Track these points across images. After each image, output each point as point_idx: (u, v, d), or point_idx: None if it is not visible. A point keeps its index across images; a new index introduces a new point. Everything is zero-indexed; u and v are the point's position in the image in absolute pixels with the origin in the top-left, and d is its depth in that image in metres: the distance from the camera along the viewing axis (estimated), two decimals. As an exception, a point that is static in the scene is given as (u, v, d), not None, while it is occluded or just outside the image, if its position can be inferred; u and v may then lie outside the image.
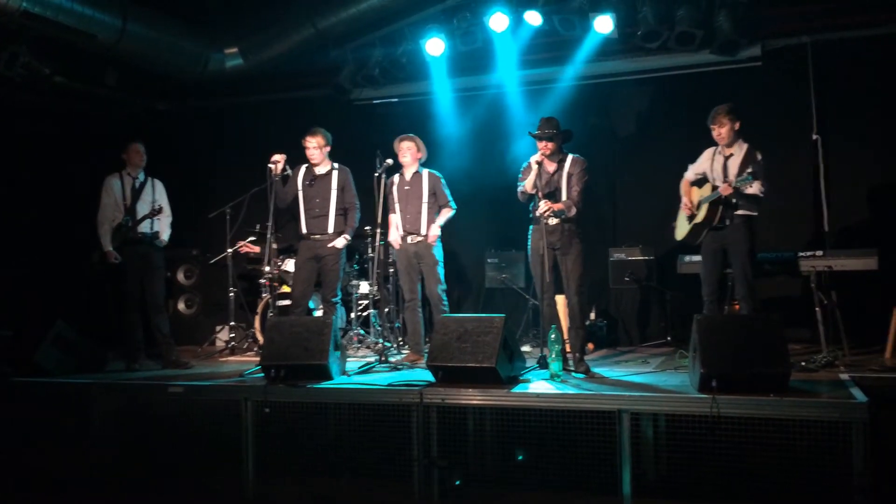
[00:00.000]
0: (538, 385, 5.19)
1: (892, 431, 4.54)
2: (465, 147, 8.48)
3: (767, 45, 7.64)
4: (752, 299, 5.78)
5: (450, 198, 6.84)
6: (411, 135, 6.86)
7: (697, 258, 6.42)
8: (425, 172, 6.85)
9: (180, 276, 9.15)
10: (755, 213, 5.82)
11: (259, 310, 7.87)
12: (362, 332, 7.80)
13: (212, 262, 8.44)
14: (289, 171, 6.79)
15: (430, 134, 7.87)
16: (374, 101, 9.03)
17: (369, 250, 7.75)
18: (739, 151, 5.85)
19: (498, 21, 7.67)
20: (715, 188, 5.84)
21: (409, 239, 6.76)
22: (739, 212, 5.78)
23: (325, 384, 5.43)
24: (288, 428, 5.40)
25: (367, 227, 7.57)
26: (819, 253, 6.48)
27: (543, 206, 5.72)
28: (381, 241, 7.41)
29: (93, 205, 6.94)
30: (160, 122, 9.63)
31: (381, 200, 6.66)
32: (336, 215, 6.74)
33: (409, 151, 6.78)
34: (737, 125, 5.81)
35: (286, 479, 5.35)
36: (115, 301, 7.09)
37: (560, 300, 6.08)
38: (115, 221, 6.82)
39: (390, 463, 5.13)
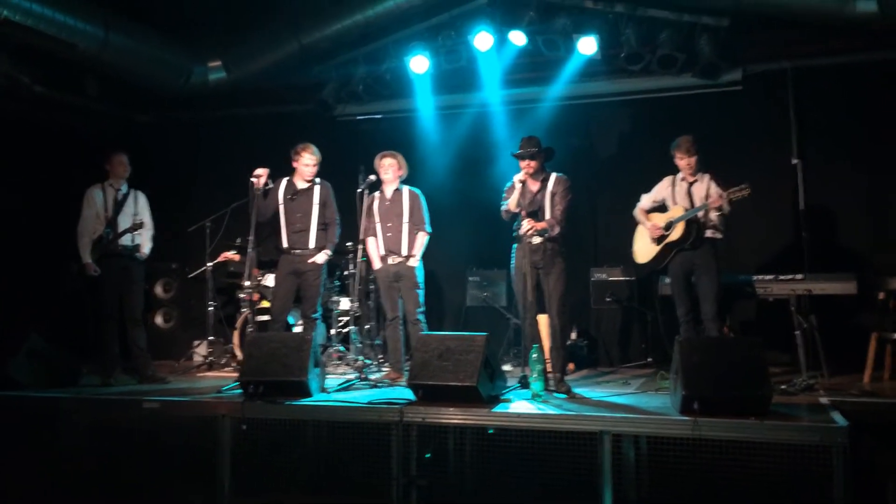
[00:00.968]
0: (519, 405, 5.15)
1: (871, 456, 4.56)
2: (447, 165, 8.48)
3: (748, 69, 7.73)
4: (720, 319, 6.02)
5: (426, 220, 6.76)
6: (393, 151, 6.82)
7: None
8: (405, 189, 6.81)
9: (158, 290, 9.03)
10: (721, 237, 6.11)
11: (238, 325, 7.79)
12: (342, 348, 7.72)
13: (191, 275, 8.36)
14: (270, 185, 6.73)
15: (414, 151, 7.86)
16: (358, 118, 9.02)
17: (350, 266, 7.70)
18: (703, 178, 6.16)
19: (482, 40, 7.71)
20: (689, 208, 6.05)
21: (389, 259, 6.71)
22: (708, 234, 6.03)
23: (305, 401, 5.35)
24: (265, 445, 5.32)
25: (349, 244, 7.54)
26: (799, 277, 6.52)
27: (526, 224, 5.72)
28: (362, 257, 7.36)
29: (71, 216, 6.83)
30: (141, 134, 9.52)
31: (364, 217, 6.63)
32: (318, 230, 6.70)
33: (390, 168, 6.74)
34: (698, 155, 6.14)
35: (262, 495, 5.27)
36: (91, 314, 6.99)
37: (542, 319, 6.06)
38: (96, 233, 6.74)
39: (369, 481, 5.06)
